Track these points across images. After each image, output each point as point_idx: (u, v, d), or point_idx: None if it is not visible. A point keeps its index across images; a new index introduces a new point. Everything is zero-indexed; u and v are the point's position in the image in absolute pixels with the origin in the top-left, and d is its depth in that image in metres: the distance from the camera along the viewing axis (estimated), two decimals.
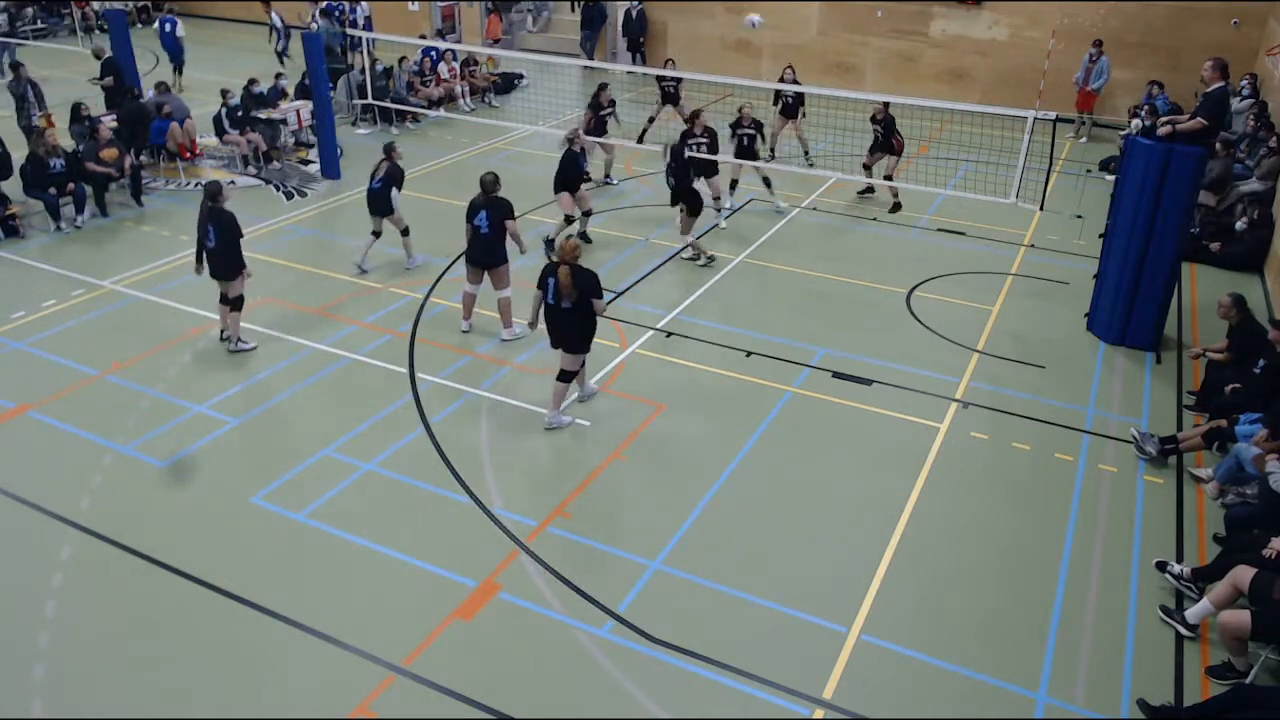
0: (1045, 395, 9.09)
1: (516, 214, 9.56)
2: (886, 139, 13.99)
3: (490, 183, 9.38)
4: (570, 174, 11.71)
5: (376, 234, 11.29)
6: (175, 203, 13.50)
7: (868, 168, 14.52)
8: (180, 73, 19.63)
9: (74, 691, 5.69)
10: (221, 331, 9.50)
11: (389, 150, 10.98)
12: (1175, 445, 8.06)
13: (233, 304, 9.18)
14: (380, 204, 10.92)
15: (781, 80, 15.52)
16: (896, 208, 14.05)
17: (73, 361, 9.20)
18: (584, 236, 12.27)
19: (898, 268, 11.89)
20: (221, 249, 8.96)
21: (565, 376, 8.27)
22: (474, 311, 9.98)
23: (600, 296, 8.02)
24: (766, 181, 13.67)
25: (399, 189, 10.95)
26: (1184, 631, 6.25)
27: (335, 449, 7.98)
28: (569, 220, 11.98)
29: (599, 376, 9.12)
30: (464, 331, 9.92)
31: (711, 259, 11.75)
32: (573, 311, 7.93)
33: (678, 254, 11.92)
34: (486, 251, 9.45)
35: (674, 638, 6.14)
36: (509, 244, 9.56)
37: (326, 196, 13.92)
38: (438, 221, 12.90)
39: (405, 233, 11.38)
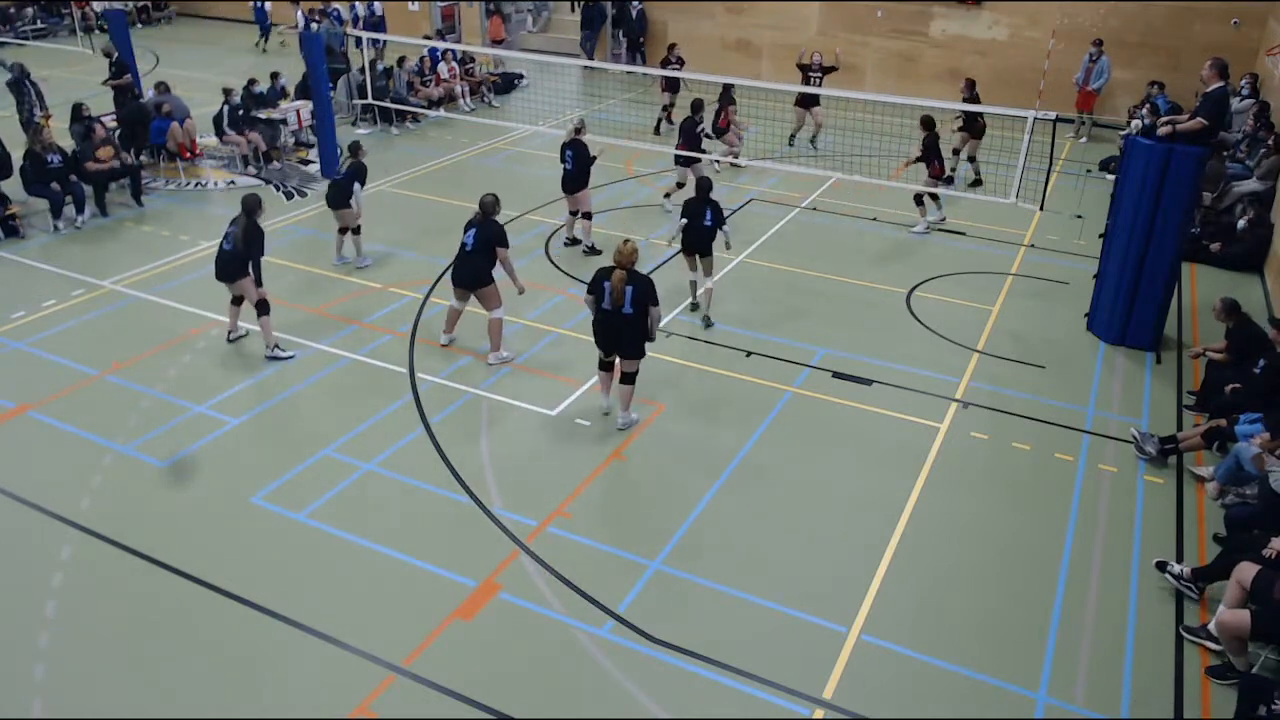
0: (1045, 395, 9.09)
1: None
2: (971, 118, 14.21)
3: (489, 204, 9.05)
4: (587, 165, 11.56)
5: (342, 231, 11.38)
6: (175, 203, 13.50)
7: (957, 152, 14.68)
8: (267, 38, 22.58)
9: (74, 691, 5.69)
10: (229, 333, 9.55)
11: (355, 149, 11.12)
12: (1175, 445, 8.06)
13: (259, 309, 9.13)
14: (339, 197, 11.04)
15: (808, 65, 15.89)
16: (977, 183, 14.64)
17: (73, 361, 9.20)
18: (575, 241, 12.17)
19: (898, 268, 11.89)
20: (234, 254, 8.95)
21: (629, 378, 8.18)
22: (458, 326, 9.64)
23: (657, 304, 7.89)
24: (934, 198, 12.90)
25: (361, 184, 11.07)
26: (1212, 647, 6.13)
27: (335, 449, 7.98)
28: (589, 216, 11.86)
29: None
30: (443, 345, 9.64)
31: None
32: (633, 317, 7.83)
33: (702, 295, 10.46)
34: (470, 271, 9.04)
35: (674, 638, 6.14)
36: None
37: None
38: (437, 221, 12.90)
39: (356, 230, 11.36)
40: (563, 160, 11.62)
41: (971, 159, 14.80)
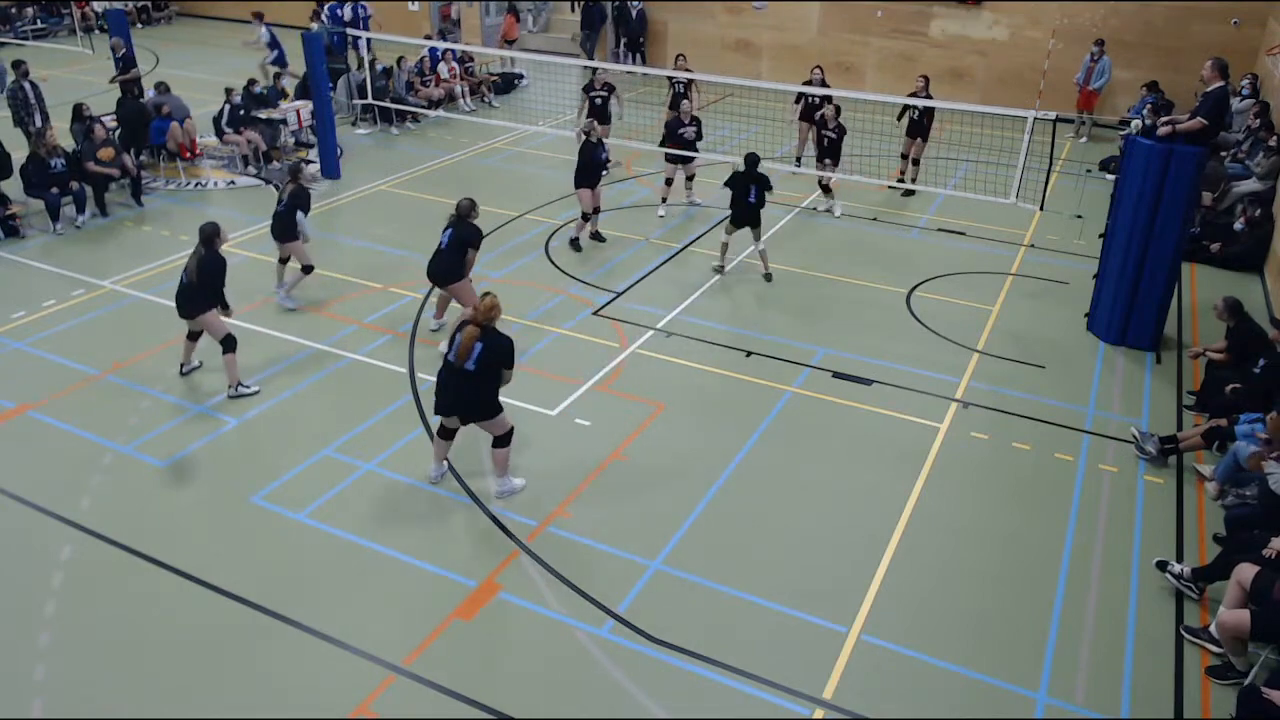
0: (1045, 395, 9.09)
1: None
2: (922, 121, 14.13)
3: (465, 208, 9.21)
4: (590, 167, 11.73)
5: (283, 260, 10.46)
6: (175, 203, 13.50)
7: (906, 156, 14.56)
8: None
9: (74, 691, 5.69)
10: (182, 365, 9.00)
11: (295, 172, 10.24)
12: (1175, 445, 8.07)
13: (225, 345, 8.54)
14: (283, 229, 10.07)
15: (809, 83, 15.33)
16: (909, 193, 14.43)
17: (73, 361, 9.20)
18: (597, 235, 12.36)
19: (898, 268, 11.89)
20: (197, 286, 8.37)
21: (500, 441, 7.26)
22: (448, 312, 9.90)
23: (510, 366, 6.98)
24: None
25: (305, 213, 10.04)
26: (1214, 649, 6.13)
27: (335, 449, 7.98)
28: (586, 217, 12.06)
29: (600, 375, 9.12)
30: (433, 330, 9.86)
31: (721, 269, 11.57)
32: (475, 375, 6.90)
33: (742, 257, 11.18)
34: (441, 268, 9.27)
35: (674, 638, 6.14)
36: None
37: (326, 196, 13.91)
38: (437, 221, 12.78)
39: (306, 270, 10.31)
40: None
41: (915, 161, 14.50)
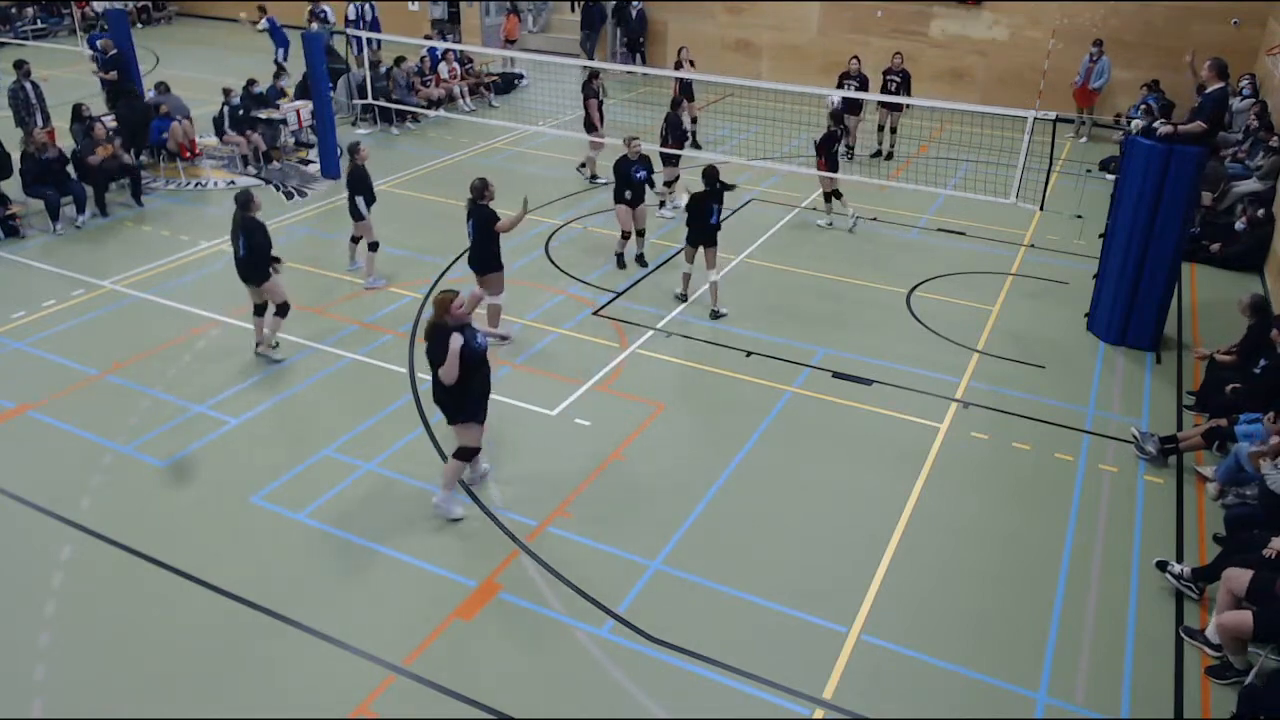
0: (1045, 395, 9.09)
1: (513, 215, 9.29)
2: (902, 92, 14.57)
3: (477, 188, 9.06)
4: (630, 185, 11.23)
5: (355, 240, 11.10)
6: (175, 203, 13.50)
7: (883, 127, 14.78)
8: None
9: (74, 691, 5.69)
10: (257, 344, 9.30)
11: (352, 151, 10.49)
12: (1175, 445, 8.06)
13: (280, 310, 9.11)
14: (350, 209, 10.62)
15: (679, 65, 15.63)
16: (888, 156, 15.24)
17: (73, 361, 9.20)
18: (641, 260, 11.75)
19: (898, 268, 11.88)
20: (250, 259, 8.82)
21: (461, 453, 7.05)
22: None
23: (439, 364, 6.60)
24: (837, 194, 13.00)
25: (365, 199, 10.45)
26: (1211, 652, 6.14)
27: (335, 449, 7.98)
28: (627, 236, 11.57)
29: (600, 376, 9.12)
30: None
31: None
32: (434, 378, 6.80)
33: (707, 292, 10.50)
34: (474, 257, 9.27)
35: (674, 638, 6.14)
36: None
37: (326, 196, 13.91)
38: (438, 220, 12.91)
39: (372, 247, 10.81)
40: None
41: (893, 129, 15.76)
